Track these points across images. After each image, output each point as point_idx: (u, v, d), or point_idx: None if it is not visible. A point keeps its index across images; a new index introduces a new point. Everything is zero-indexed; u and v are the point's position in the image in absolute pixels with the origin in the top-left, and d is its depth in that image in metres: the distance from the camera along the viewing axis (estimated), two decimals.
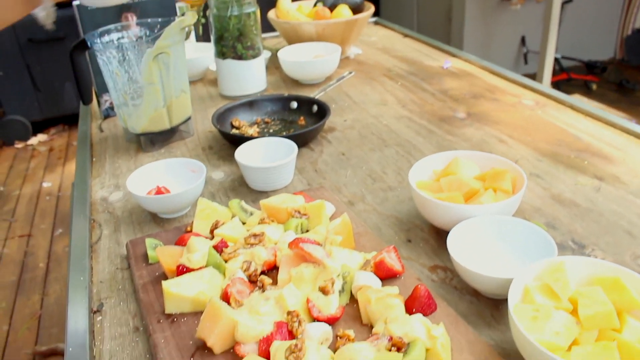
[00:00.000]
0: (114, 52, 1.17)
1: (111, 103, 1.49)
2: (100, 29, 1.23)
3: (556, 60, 4.38)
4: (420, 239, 0.94)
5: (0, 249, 2.76)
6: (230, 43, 1.47)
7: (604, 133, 1.25)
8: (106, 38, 1.23)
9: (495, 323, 0.76)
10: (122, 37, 1.25)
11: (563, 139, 1.23)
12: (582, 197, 1.02)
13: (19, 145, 3.85)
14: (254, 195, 1.10)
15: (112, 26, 1.25)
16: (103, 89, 1.45)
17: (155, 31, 1.26)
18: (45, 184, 3.34)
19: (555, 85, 4.33)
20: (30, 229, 2.91)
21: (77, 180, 1.20)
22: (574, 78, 4.47)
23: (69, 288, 0.88)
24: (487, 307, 0.79)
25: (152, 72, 1.19)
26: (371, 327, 0.73)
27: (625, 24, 4.90)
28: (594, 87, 4.41)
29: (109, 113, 1.50)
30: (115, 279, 0.90)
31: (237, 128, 1.34)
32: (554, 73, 4.17)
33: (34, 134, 3.94)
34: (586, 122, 1.31)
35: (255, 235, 0.86)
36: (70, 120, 4.04)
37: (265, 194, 1.09)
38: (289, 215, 0.92)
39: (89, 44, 1.20)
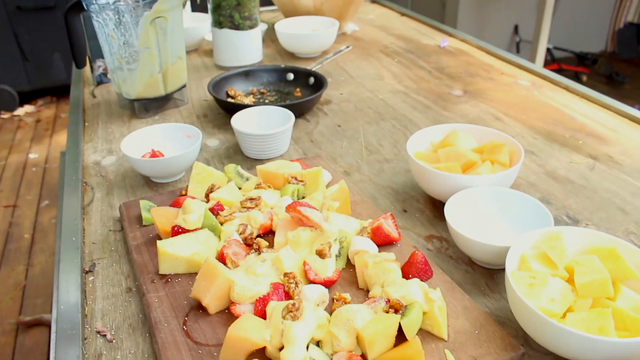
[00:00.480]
0: (110, 14, 1.14)
1: (104, 69, 1.47)
2: None
3: (548, 50, 4.39)
4: (416, 209, 0.94)
5: None
6: (228, 12, 1.45)
7: (598, 114, 1.25)
8: (102, 0, 1.20)
9: (489, 292, 0.76)
10: (119, 1, 1.23)
11: (558, 119, 1.24)
12: (576, 175, 1.03)
13: (5, 115, 3.79)
14: (249, 163, 1.09)
15: None
16: (97, 54, 1.42)
17: None
18: (31, 155, 3.29)
19: None
20: (15, 199, 2.87)
21: (69, 144, 1.18)
22: (564, 69, 4.48)
23: (61, 248, 0.87)
24: (482, 276, 0.79)
25: (149, 36, 1.17)
26: (367, 291, 0.73)
27: (618, 16, 4.92)
28: (584, 78, 4.43)
29: (102, 79, 1.48)
30: (107, 240, 0.89)
31: (233, 97, 1.32)
32: (545, 63, 4.18)
33: (21, 104, 3.88)
34: (581, 104, 1.31)
35: (251, 199, 0.86)
36: (58, 92, 3.98)
37: (260, 162, 1.08)
38: (286, 181, 0.91)
39: (84, 5, 1.17)
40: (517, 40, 4.53)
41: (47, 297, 2.24)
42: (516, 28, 4.52)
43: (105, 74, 1.48)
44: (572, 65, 4.62)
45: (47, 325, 2.10)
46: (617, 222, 0.89)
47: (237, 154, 1.12)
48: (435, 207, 0.95)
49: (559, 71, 4.46)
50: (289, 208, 0.79)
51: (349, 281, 0.75)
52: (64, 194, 1.01)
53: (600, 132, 1.17)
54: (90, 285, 0.80)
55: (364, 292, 0.73)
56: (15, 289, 2.28)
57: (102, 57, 1.46)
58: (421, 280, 0.72)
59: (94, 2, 1.18)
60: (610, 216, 0.91)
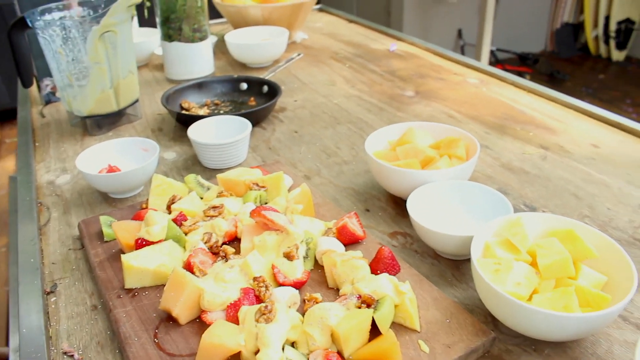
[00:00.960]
0: (57, 30, 1.12)
1: (52, 88, 1.43)
2: (41, 8, 1.17)
3: (491, 52, 4.53)
4: (378, 208, 0.96)
5: None
6: (177, 25, 1.44)
7: (546, 107, 1.30)
8: (48, 17, 1.17)
9: (456, 282, 0.78)
10: (65, 17, 1.20)
11: (508, 113, 1.27)
12: (530, 165, 1.06)
13: None
14: (208, 173, 1.08)
15: (52, 5, 1.20)
16: (44, 73, 1.39)
17: (99, 11, 1.22)
18: None
19: None
20: None
21: (20, 165, 1.14)
22: (508, 69, 4.63)
23: (19, 271, 0.84)
24: (448, 267, 0.81)
25: (98, 51, 1.15)
26: (337, 290, 0.73)
27: (555, 17, 5.12)
28: (527, 77, 4.58)
29: (50, 98, 1.44)
30: (68, 259, 0.87)
31: (187, 110, 1.31)
32: (489, 64, 4.30)
33: None
34: (529, 98, 1.36)
35: (214, 207, 0.85)
36: (1, 117, 3.85)
37: (219, 171, 1.07)
38: (247, 188, 0.91)
39: (29, 22, 1.14)
40: (462, 44, 4.66)
41: (2, 330, 2.15)
42: (460, 32, 4.64)
43: (53, 92, 1.44)
44: (515, 65, 4.77)
45: (4, 359, 2.01)
46: (571, 207, 0.93)
47: (195, 165, 1.11)
48: (397, 204, 0.96)
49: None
50: (253, 213, 0.79)
51: (318, 281, 0.75)
52: (19, 216, 0.97)
53: (548, 124, 1.22)
54: (53, 306, 0.77)
55: (334, 291, 0.73)
56: None
57: (50, 75, 1.43)
58: (390, 274, 0.72)
59: (39, 18, 1.15)
60: (564, 202, 0.94)
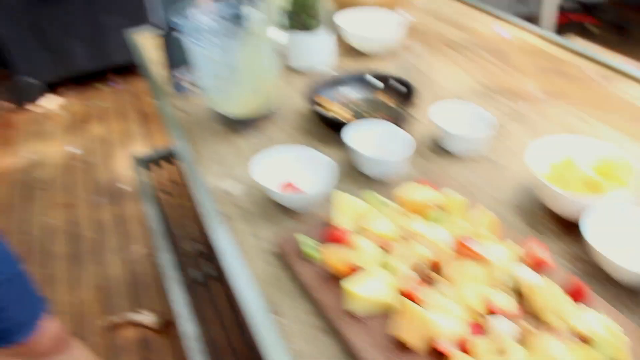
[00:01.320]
0: (207, 36, 1.19)
1: (184, 78, 1.50)
2: (185, 11, 1.24)
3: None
4: (545, 228, 1.02)
5: (45, 218, 2.73)
6: (301, 17, 1.52)
7: None
8: (196, 20, 1.24)
9: (635, 307, 0.85)
10: (212, 20, 1.26)
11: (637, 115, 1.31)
12: None
13: (32, 107, 3.73)
14: (363, 178, 1.15)
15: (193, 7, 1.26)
16: (176, 63, 1.46)
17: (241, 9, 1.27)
18: (68, 149, 3.27)
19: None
20: (69, 197, 2.83)
21: (187, 168, 1.23)
22: (572, 20, 4.48)
23: (239, 288, 0.93)
24: (624, 291, 0.88)
25: (247, 56, 1.22)
26: (537, 318, 0.81)
27: None
28: (596, 30, 4.43)
29: (181, 89, 1.51)
30: (277, 277, 0.95)
31: (321, 105, 1.37)
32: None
33: (47, 95, 3.80)
34: None
35: (411, 233, 0.93)
36: (81, 80, 3.89)
37: (373, 180, 1.15)
38: (427, 208, 0.99)
39: (178, 27, 1.24)
40: None
41: (129, 298, 2.23)
42: None
43: (181, 84, 1.51)
44: (580, 13, 4.59)
45: (136, 325, 2.13)
46: None
47: (351, 170, 1.17)
48: (562, 224, 1.01)
49: (568, 25, 4.45)
50: (460, 247, 0.87)
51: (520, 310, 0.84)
52: (210, 226, 1.06)
53: None
54: (284, 327, 0.86)
55: (534, 320, 0.81)
56: (94, 289, 2.28)
57: (182, 65, 1.49)
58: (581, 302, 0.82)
59: (188, 23, 1.22)
60: None
